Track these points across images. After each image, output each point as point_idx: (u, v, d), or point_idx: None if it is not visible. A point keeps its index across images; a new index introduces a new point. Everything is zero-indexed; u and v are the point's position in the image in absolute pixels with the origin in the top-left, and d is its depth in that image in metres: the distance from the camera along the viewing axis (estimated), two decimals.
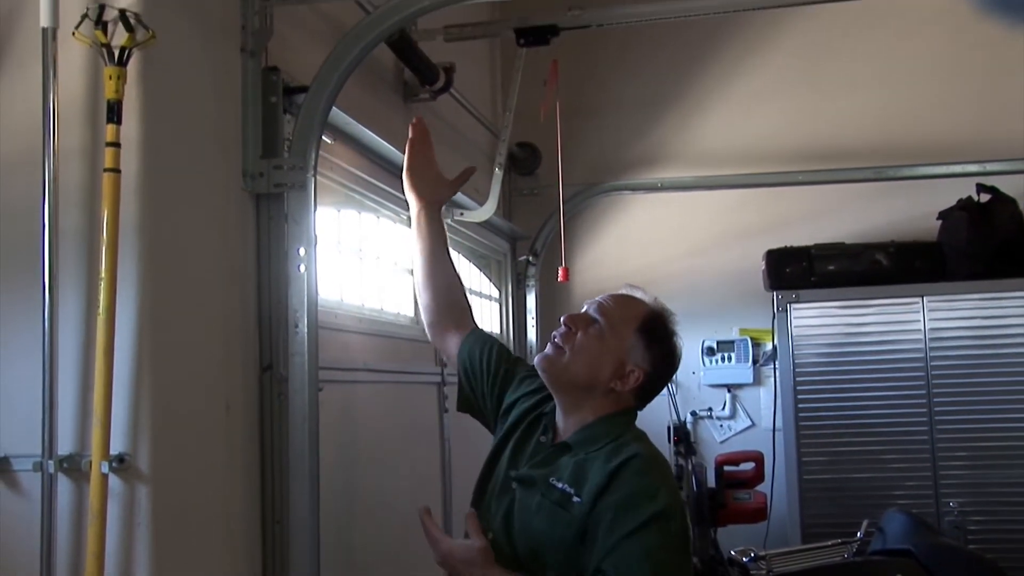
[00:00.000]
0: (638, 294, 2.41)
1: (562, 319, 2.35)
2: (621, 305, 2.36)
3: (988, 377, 4.75)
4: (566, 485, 2.20)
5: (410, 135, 2.70)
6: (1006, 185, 4.96)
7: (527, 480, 2.28)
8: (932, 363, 4.80)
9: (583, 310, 2.37)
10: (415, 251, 2.66)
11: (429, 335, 2.69)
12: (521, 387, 2.50)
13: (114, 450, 2.21)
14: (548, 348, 2.33)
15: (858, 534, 4.09)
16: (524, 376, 2.53)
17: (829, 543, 4.06)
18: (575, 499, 2.16)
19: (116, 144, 2.22)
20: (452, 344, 2.63)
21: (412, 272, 2.70)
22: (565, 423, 2.34)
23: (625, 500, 2.11)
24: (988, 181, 4.96)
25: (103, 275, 2.20)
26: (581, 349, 2.29)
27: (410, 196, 2.69)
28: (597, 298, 2.40)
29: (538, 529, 2.20)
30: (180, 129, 2.48)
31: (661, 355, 2.35)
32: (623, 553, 2.06)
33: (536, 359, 2.34)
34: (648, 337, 2.33)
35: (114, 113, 2.23)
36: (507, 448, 2.40)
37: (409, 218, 4.20)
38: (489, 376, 2.55)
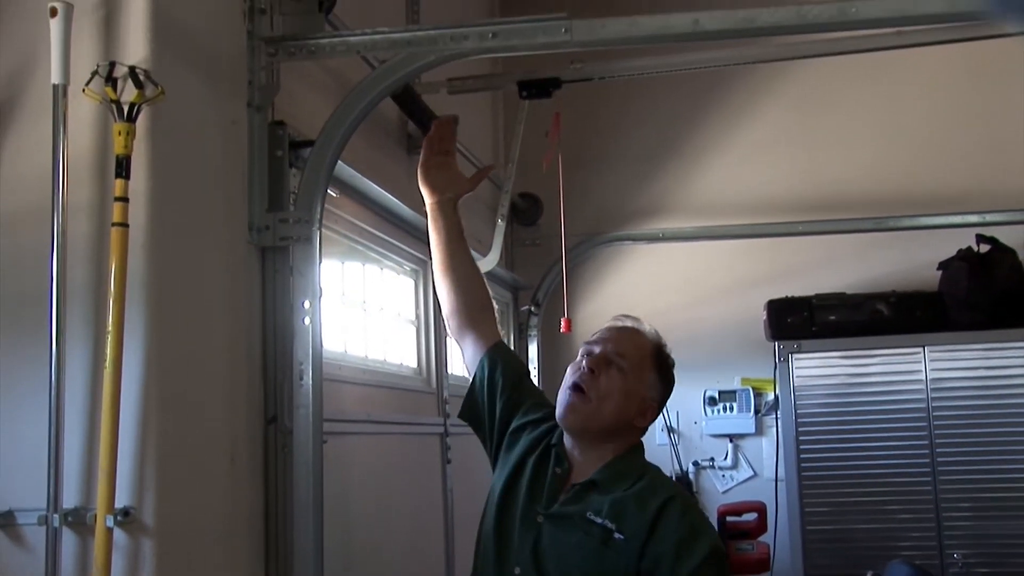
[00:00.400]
0: (635, 324, 2.45)
1: (584, 363, 2.35)
2: (634, 343, 2.40)
3: (991, 427, 4.75)
4: (606, 520, 2.23)
5: (431, 131, 2.69)
6: (1005, 235, 4.99)
7: (562, 517, 2.28)
8: (934, 412, 4.80)
9: (595, 349, 2.37)
10: (432, 244, 2.64)
11: (449, 327, 2.68)
12: (529, 414, 2.50)
13: (119, 503, 2.21)
14: (571, 396, 2.33)
15: None
16: (534, 403, 2.53)
17: None
18: (616, 535, 2.21)
19: (124, 199, 2.24)
20: (471, 344, 2.58)
21: (432, 267, 2.70)
22: (584, 457, 2.36)
23: (679, 544, 2.18)
24: (987, 231, 4.99)
25: (110, 328, 2.21)
26: (607, 394, 2.32)
27: (424, 190, 2.67)
28: (601, 333, 2.43)
29: (581, 566, 2.21)
30: (187, 183, 2.50)
31: (668, 385, 2.44)
32: None
33: (562, 411, 2.34)
34: (660, 370, 2.41)
35: (123, 168, 2.25)
36: (523, 480, 2.38)
37: (412, 269, 4.25)
38: (504, 394, 2.52)
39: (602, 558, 2.20)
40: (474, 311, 2.61)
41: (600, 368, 2.33)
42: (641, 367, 2.37)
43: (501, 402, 2.52)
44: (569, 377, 2.37)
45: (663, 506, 2.23)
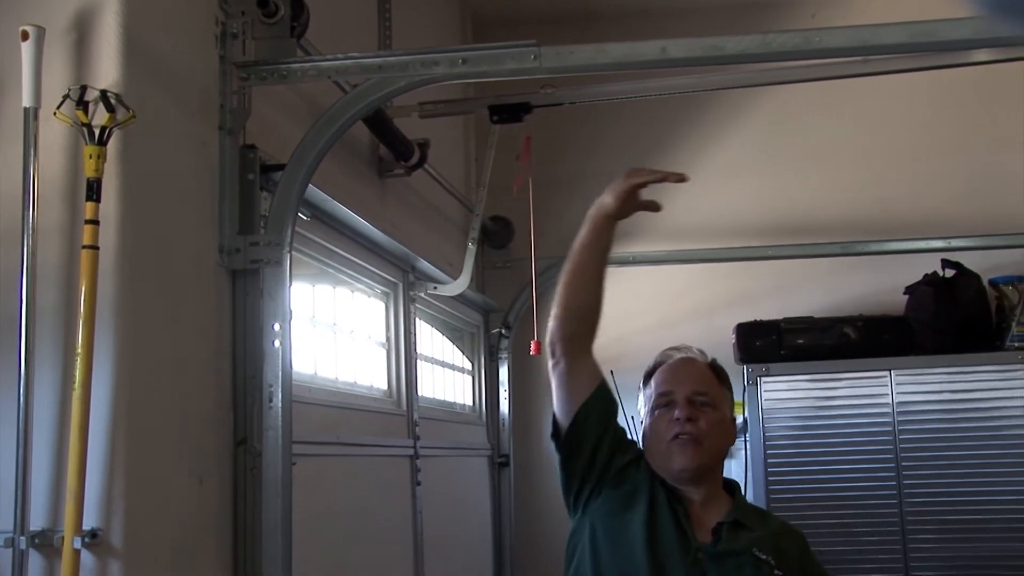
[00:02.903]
0: (687, 353, 2.54)
1: (679, 413, 2.39)
2: (701, 373, 2.49)
3: (956, 450, 4.79)
4: (769, 557, 2.32)
5: (670, 178, 2.56)
6: (970, 260, 5.06)
7: (729, 554, 2.32)
8: (900, 435, 4.85)
9: (675, 395, 2.42)
10: (585, 258, 2.49)
11: (562, 341, 2.47)
12: (629, 452, 2.48)
13: (87, 525, 2.21)
14: (685, 448, 2.37)
15: None
16: (630, 441, 2.53)
17: None
18: (777, 572, 2.30)
19: (95, 221, 2.25)
20: (586, 368, 2.47)
21: (566, 276, 2.51)
22: (696, 492, 2.41)
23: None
24: (953, 257, 5.06)
25: (79, 350, 2.22)
26: (712, 431, 2.40)
27: (616, 201, 2.49)
28: (667, 375, 2.48)
29: None
30: (158, 206, 2.51)
31: (732, 395, 2.57)
32: None
33: (681, 464, 2.37)
34: (726, 386, 2.53)
35: (93, 191, 2.26)
36: (662, 516, 2.37)
37: (383, 292, 4.27)
38: (613, 430, 2.48)
39: None
40: (594, 335, 2.51)
41: (695, 413, 2.40)
42: (718, 393, 2.47)
43: (610, 436, 2.46)
44: (667, 430, 2.40)
45: (805, 547, 2.45)
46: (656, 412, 2.45)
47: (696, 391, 2.43)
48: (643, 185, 2.48)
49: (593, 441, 2.44)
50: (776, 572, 2.31)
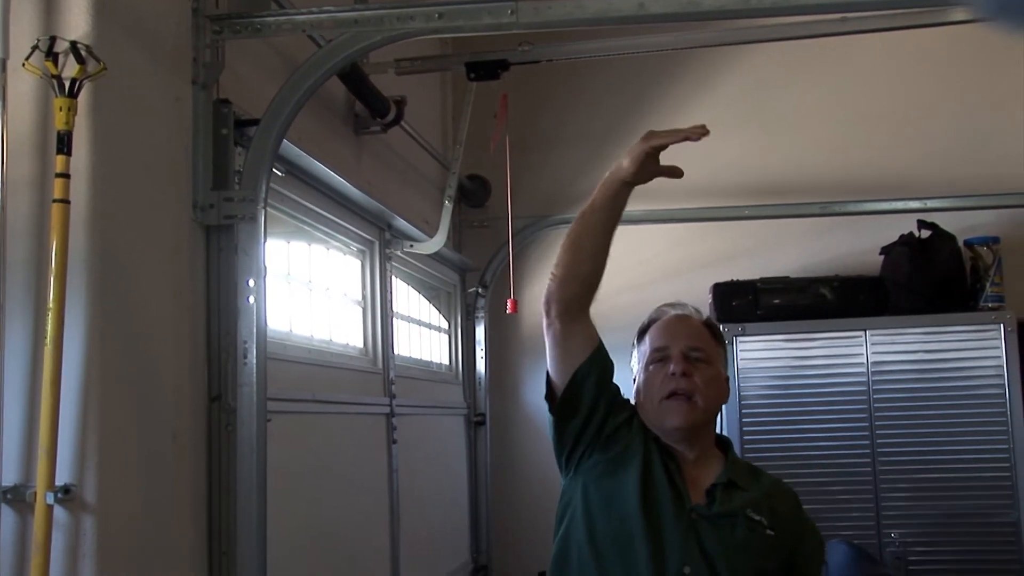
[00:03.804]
0: (681, 309, 2.51)
1: (675, 368, 2.37)
2: (696, 329, 2.47)
3: (929, 409, 4.83)
4: (762, 518, 2.33)
5: (692, 135, 2.44)
6: (946, 221, 5.07)
7: (724, 516, 2.31)
8: (875, 395, 4.88)
9: (671, 351, 2.40)
10: (597, 219, 2.39)
11: (563, 301, 2.39)
12: (621, 413, 2.46)
13: (60, 481, 2.20)
14: (679, 404, 2.36)
15: None
16: (625, 401, 2.50)
17: None
18: (769, 531, 2.31)
19: (66, 175, 2.23)
20: (583, 330, 2.42)
21: (574, 238, 2.39)
22: (691, 450, 2.41)
23: (818, 544, 2.46)
24: (929, 218, 5.07)
25: (51, 305, 2.20)
26: (707, 387, 2.39)
27: (634, 164, 2.36)
28: (661, 331, 2.46)
29: (751, 561, 2.29)
30: (130, 160, 2.48)
31: (726, 352, 2.60)
32: None
33: (674, 421, 2.36)
34: (721, 343, 2.52)
35: (64, 144, 2.23)
36: (657, 478, 2.35)
37: (359, 250, 4.25)
38: (610, 395, 2.45)
39: (767, 553, 2.29)
40: (593, 298, 2.44)
41: (690, 368, 2.38)
42: (712, 350, 2.46)
43: (607, 398, 2.44)
44: (661, 387, 2.39)
45: (797, 505, 2.44)
46: (650, 368, 2.43)
47: (691, 346, 2.42)
48: (663, 147, 2.38)
49: (590, 403, 2.42)
50: (768, 532, 2.31)
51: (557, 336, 2.42)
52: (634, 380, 2.51)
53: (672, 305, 2.54)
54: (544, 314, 2.43)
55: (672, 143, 2.36)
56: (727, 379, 2.51)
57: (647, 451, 2.39)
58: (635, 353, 2.53)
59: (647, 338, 2.49)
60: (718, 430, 2.54)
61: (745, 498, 2.36)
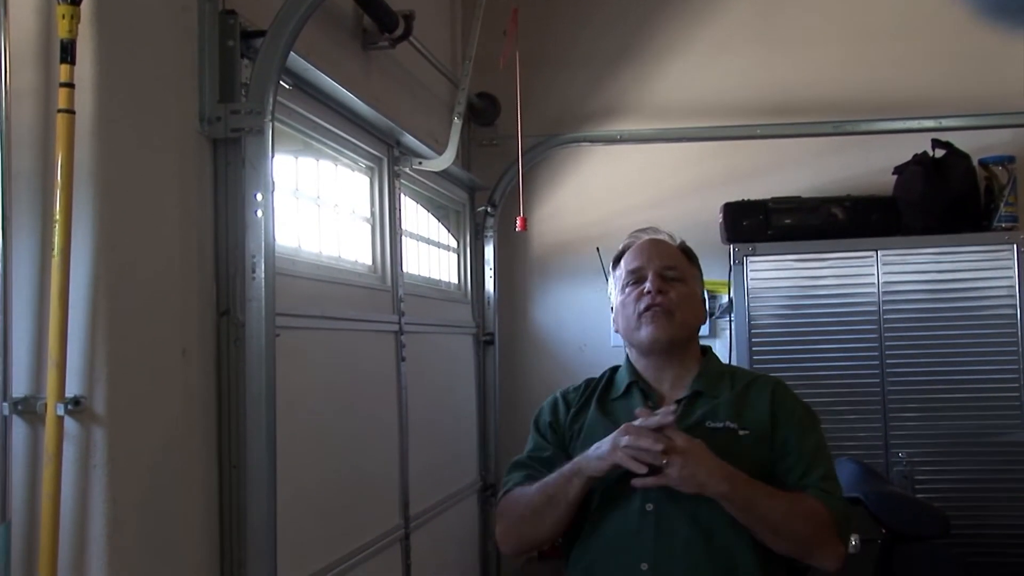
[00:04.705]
0: (654, 233, 2.58)
1: (649, 286, 2.43)
2: (670, 251, 2.53)
3: (939, 330, 4.81)
4: (727, 422, 2.35)
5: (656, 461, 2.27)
6: (961, 140, 5.01)
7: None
8: (885, 316, 4.86)
9: (646, 270, 2.46)
10: (553, 509, 2.36)
11: (506, 550, 2.57)
12: (567, 417, 2.55)
13: (70, 392, 2.20)
14: (655, 318, 2.41)
15: None
16: (561, 422, 2.57)
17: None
18: (742, 433, 2.34)
19: (70, 84, 2.20)
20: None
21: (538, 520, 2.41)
22: (671, 380, 2.46)
23: (799, 422, 2.40)
24: (943, 137, 5.01)
25: (57, 217, 2.18)
26: (683, 304, 2.44)
27: (606, 467, 2.28)
28: (637, 254, 2.52)
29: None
30: (135, 70, 2.45)
31: (702, 275, 2.62)
32: (819, 463, 2.36)
33: (651, 334, 2.42)
34: (696, 265, 2.58)
35: (68, 53, 2.20)
36: (607, 432, 2.35)
37: (367, 166, 4.22)
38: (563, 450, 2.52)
39: (738, 457, 2.27)
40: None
41: (666, 286, 2.44)
42: (687, 270, 2.52)
43: (558, 432, 2.56)
44: (636, 304, 2.45)
45: (774, 393, 2.42)
46: (627, 290, 2.50)
47: (666, 266, 2.48)
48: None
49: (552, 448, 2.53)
50: (741, 433, 2.34)
51: None
52: (612, 308, 2.59)
53: (645, 230, 2.60)
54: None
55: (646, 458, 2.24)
56: (703, 300, 2.56)
57: (601, 417, 2.46)
58: (611, 279, 2.61)
59: (622, 262, 2.56)
60: (730, 359, 2.56)
61: (707, 407, 2.38)
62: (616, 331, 2.56)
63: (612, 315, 2.57)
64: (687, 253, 2.57)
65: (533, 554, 2.44)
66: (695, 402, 2.41)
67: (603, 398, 2.53)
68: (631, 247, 2.56)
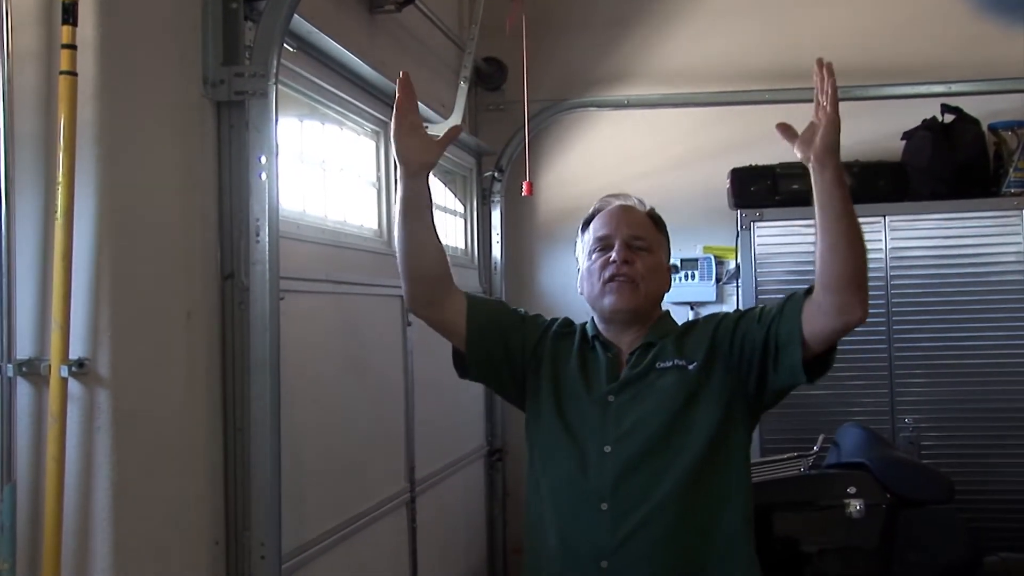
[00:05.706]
0: (624, 200, 2.57)
1: (616, 255, 2.45)
2: (638, 219, 2.54)
3: (946, 296, 4.81)
4: (675, 360, 2.40)
5: (397, 95, 2.42)
6: (970, 106, 4.99)
7: (631, 381, 2.40)
8: (892, 282, 4.85)
9: (614, 239, 2.47)
10: (403, 219, 2.45)
11: (416, 299, 2.55)
12: (534, 334, 2.57)
13: (73, 355, 2.21)
14: (620, 288, 2.43)
15: (814, 448, 4.17)
16: (533, 324, 2.61)
17: (785, 456, 4.14)
18: (690, 367, 2.38)
19: (72, 46, 2.19)
20: (447, 309, 2.53)
21: (397, 236, 2.51)
22: (630, 337, 2.48)
23: (736, 312, 2.47)
24: (953, 102, 4.99)
25: (60, 179, 2.18)
26: (648, 275, 2.47)
27: (401, 161, 2.41)
28: (605, 221, 2.52)
29: (669, 410, 2.35)
30: (138, 32, 2.44)
31: (669, 243, 2.62)
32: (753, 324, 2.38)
33: (614, 303, 2.44)
34: (663, 233, 2.58)
35: (70, 14, 2.19)
36: (571, 379, 2.47)
37: (373, 131, 4.20)
38: (514, 331, 2.57)
39: (692, 392, 2.35)
40: (445, 280, 2.53)
41: (632, 256, 2.45)
42: (655, 239, 2.53)
43: (518, 338, 2.56)
44: (601, 272, 2.47)
45: (710, 318, 2.50)
46: (593, 256, 2.51)
47: (634, 235, 2.49)
48: (408, 118, 2.40)
49: (500, 349, 2.54)
50: (690, 368, 2.38)
51: (434, 327, 2.58)
52: (578, 270, 2.60)
53: (616, 196, 2.61)
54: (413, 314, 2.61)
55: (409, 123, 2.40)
56: (669, 269, 2.58)
57: (563, 359, 2.50)
58: (579, 243, 2.61)
59: (591, 227, 2.57)
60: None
61: (655, 352, 2.43)
62: (580, 294, 2.57)
63: (578, 278, 2.58)
64: (655, 220, 2.57)
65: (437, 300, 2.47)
66: (646, 352, 2.44)
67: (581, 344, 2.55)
68: (601, 212, 2.56)
